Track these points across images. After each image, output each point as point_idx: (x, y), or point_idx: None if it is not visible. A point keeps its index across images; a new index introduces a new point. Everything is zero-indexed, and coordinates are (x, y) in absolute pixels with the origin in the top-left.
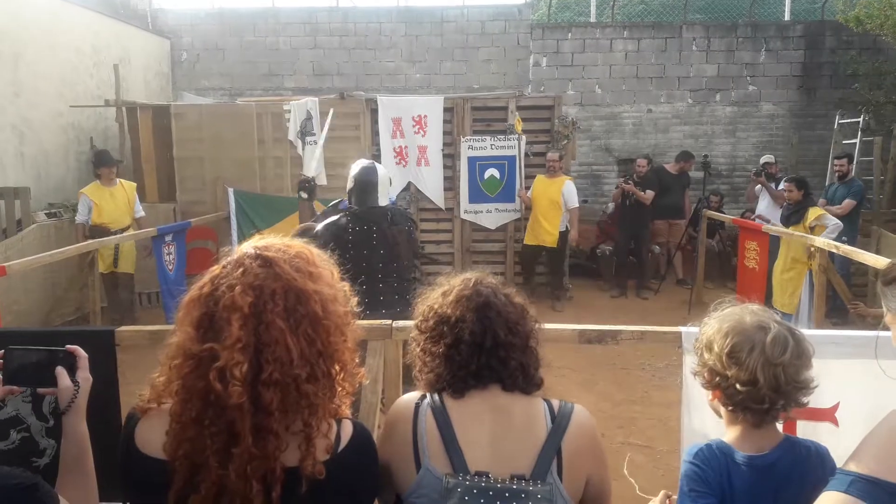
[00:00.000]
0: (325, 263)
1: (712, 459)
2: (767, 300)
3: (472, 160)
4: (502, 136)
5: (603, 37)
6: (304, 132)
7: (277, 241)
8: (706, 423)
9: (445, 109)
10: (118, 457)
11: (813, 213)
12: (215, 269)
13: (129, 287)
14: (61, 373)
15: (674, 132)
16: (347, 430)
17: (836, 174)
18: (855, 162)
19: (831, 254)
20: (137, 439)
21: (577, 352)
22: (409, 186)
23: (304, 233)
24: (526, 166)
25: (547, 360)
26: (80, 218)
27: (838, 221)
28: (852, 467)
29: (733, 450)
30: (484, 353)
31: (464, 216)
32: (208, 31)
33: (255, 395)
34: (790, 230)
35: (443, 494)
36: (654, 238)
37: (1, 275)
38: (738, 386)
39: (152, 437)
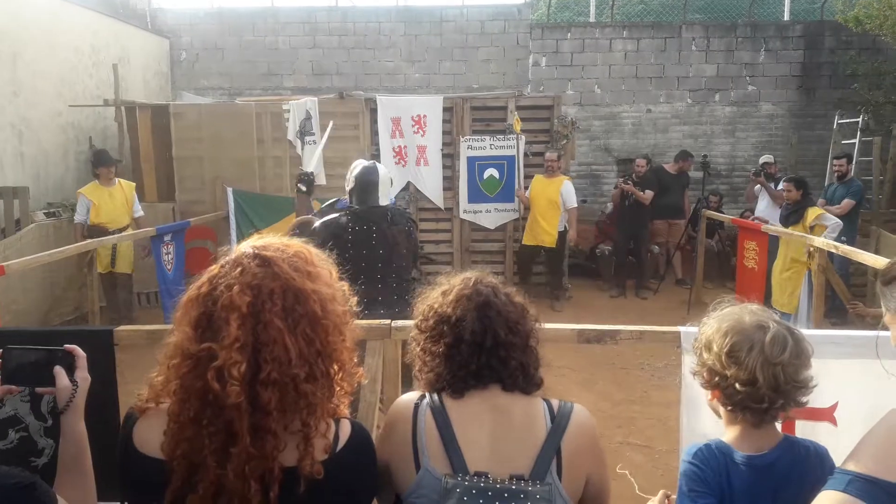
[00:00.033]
0: (324, 263)
1: (711, 459)
2: (766, 300)
3: (471, 160)
4: (501, 136)
5: (602, 37)
6: (304, 132)
7: (276, 240)
8: (705, 422)
9: (445, 109)
10: (116, 456)
11: (812, 213)
12: (213, 269)
13: (128, 287)
14: (59, 372)
15: (673, 132)
16: (346, 429)
17: (836, 174)
18: (854, 162)
19: (830, 254)
20: (135, 439)
21: (577, 351)
22: (408, 186)
23: (303, 226)
24: (525, 166)
25: (546, 359)
26: (78, 218)
27: (838, 220)
28: (851, 466)
29: (732, 449)
30: (484, 352)
31: (463, 216)
32: (207, 31)
33: (253, 394)
34: (789, 230)
35: (442, 495)
36: (653, 238)
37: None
38: (737, 385)
39: (150, 437)
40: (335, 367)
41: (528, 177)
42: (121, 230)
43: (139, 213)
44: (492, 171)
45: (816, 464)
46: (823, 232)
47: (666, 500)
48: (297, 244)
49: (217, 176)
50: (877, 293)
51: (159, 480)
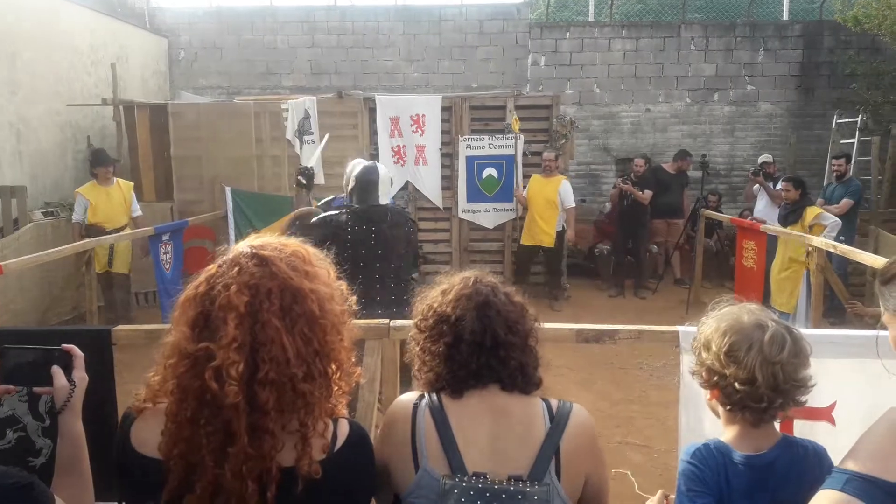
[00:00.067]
0: (322, 262)
1: (710, 459)
2: (765, 300)
3: (470, 159)
4: (500, 136)
5: (601, 36)
6: (302, 131)
7: (273, 239)
8: (704, 422)
9: (443, 108)
10: (114, 456)
11: (811, 213)
12: (211, 269)
13: (125, 287)
14: (57, 372)
15: (672, 132)
16: (344, 429)
17: (834, 174)
18: (853, 162)
19: (829, 253)
20: (133, 439)
21: (575, 351)
22: (407, 185)
23: (302, 217)
24: (524, 166)
25: (545, 359)
26: (76, 217)
27: (837, 219)
28: (849, 466)
29: (731, 449)
30: (484, 352)
31: (462, 215)
32: (206, 30)
33: (250, 394)
34: (788, 230)
35: (440, 496)
36: (652, 237)
37: None
38: (736, 385)
39: (148, 437)
40: (333, 366)
41: (527, 176)
42: (118, 230)
43: (137, 212)
44: (490, 171)
45: (815, 463)
46: (822, 231)
47: (664, 500)
48: (295, 243)
49: (215, 175)
50: (875, 293)
51: (157, 480)
